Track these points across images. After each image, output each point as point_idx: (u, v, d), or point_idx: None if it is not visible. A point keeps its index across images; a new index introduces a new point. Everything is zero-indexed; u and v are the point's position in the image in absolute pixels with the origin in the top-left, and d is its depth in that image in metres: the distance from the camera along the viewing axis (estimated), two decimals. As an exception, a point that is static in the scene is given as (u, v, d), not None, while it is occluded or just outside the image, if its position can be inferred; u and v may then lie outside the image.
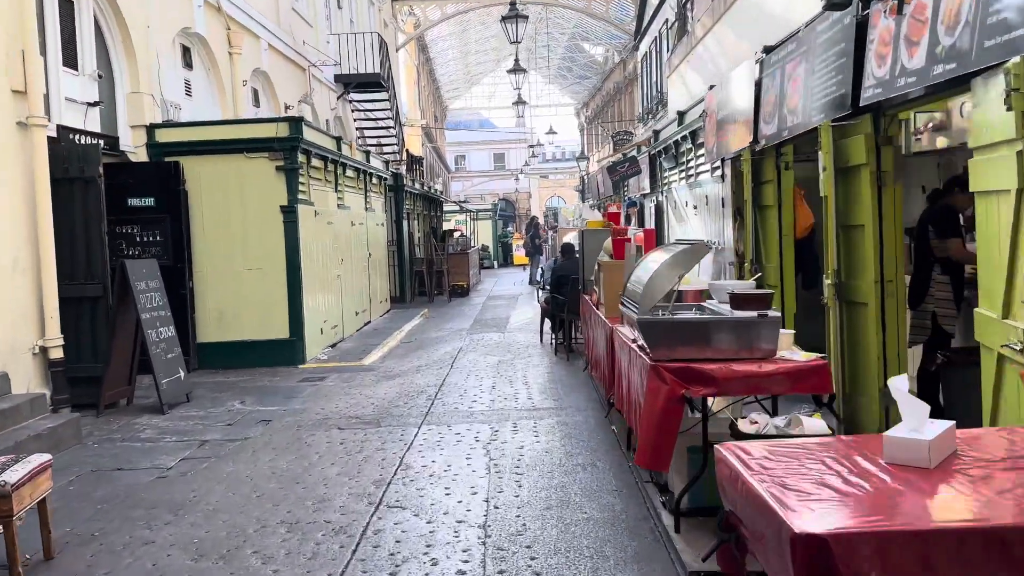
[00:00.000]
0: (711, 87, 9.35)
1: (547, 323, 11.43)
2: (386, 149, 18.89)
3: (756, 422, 3.95)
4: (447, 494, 5.09)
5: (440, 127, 43.18)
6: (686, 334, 4.02)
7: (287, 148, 10.09)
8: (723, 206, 9.49)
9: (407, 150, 21.20)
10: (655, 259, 4.64)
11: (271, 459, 6.03)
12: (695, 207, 10.95)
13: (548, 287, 11.05)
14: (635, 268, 4.83)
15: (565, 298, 9.83)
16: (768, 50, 7.09)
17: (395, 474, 5.54)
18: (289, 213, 10.12)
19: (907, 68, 4.33)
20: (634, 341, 4.60)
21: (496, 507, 4.80)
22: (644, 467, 4.48)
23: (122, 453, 6.30)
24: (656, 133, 13.56)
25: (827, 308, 5.67)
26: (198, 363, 10.03)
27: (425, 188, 22.22)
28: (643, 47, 24.07)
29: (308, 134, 10.56)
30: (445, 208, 28.07)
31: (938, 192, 6.20)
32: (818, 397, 4.17)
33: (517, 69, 21.78)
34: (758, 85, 7.32)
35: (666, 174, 13.23)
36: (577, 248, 11.54)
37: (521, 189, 54.04)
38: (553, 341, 11.03)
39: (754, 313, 3.97)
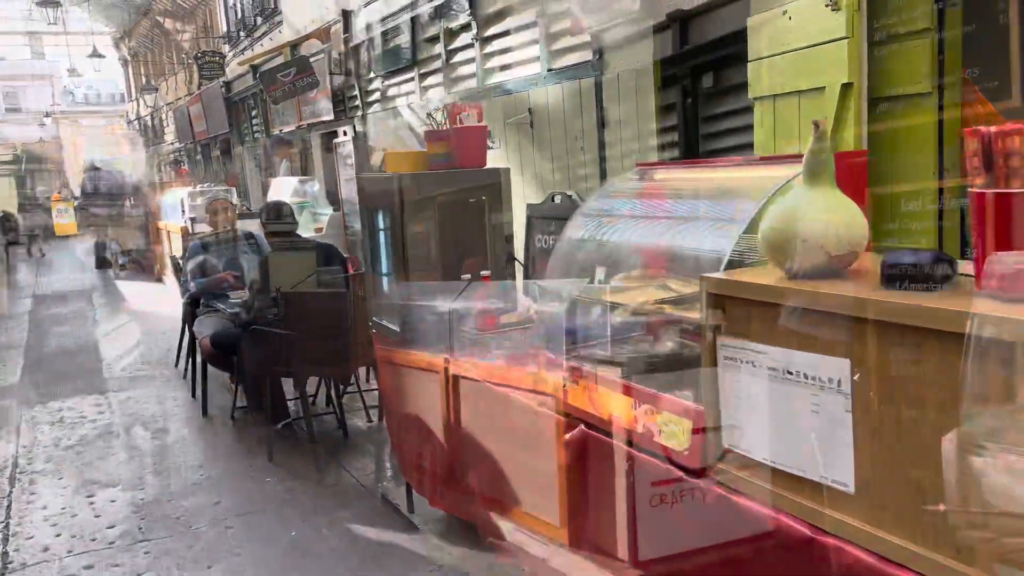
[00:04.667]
0: None
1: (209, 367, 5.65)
2: None
3: None
4: None
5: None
6: None
7: None
8: (602, 126, 4.98)
9: None
10: None
11: None
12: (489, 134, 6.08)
13: (198, 301, 5.24)
14: None
15: (284, 331, 4.30)
16: None
17: None
18: None
19: None
20: None
21: None
22: None
23: None
24: (346, 13, 8.13)
25: None
26: None
27: None
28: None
29: None
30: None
31: None
32: None
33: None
34: None
35: (374, 87, 8.02)
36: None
37: (48, 137, 41.66)
38: (234, 413, 5.35)
39: None
